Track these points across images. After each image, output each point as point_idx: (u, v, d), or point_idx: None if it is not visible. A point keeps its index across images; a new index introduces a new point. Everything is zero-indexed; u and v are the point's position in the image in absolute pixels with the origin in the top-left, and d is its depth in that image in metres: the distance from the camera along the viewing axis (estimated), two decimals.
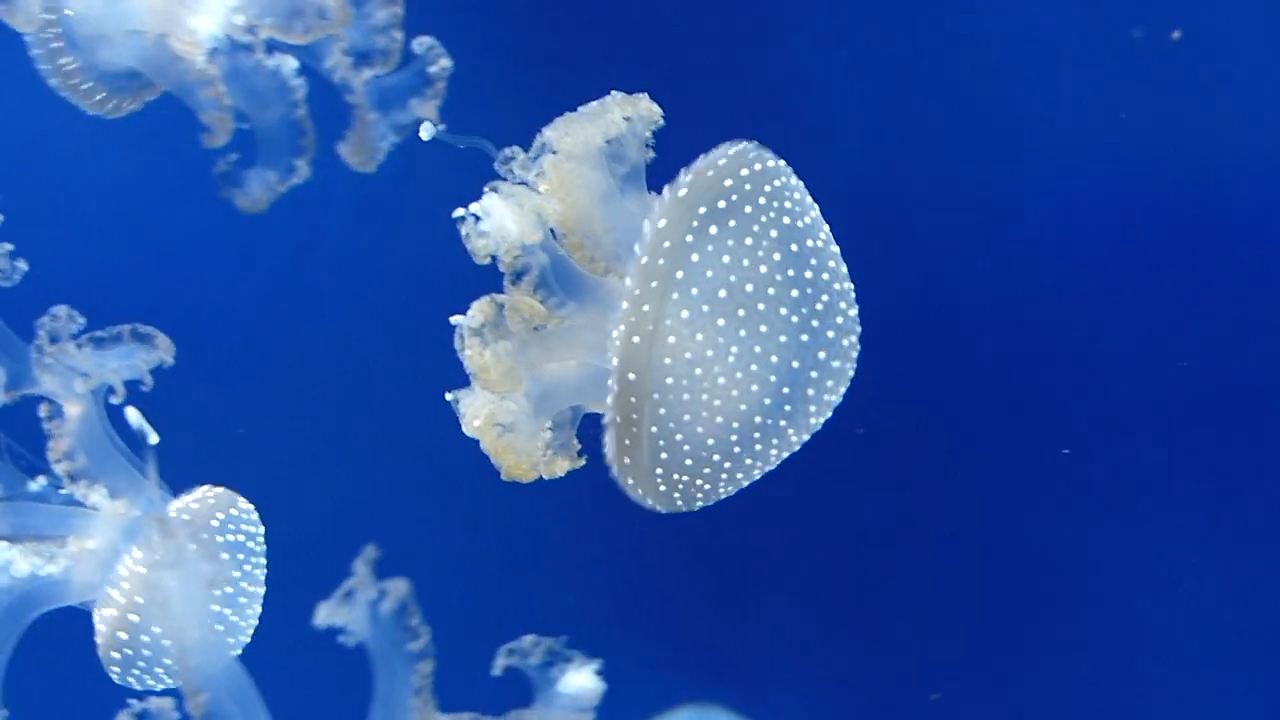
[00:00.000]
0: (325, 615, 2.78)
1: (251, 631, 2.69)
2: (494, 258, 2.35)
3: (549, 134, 2.34)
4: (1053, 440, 3.67)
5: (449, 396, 2.39)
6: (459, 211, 2.34)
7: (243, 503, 2.65)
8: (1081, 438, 3.65)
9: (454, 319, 2.36)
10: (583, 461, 2.41)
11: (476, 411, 2.38)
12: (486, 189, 2.33)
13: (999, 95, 3.51)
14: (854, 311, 2.28)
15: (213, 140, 2.85)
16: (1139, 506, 3.65)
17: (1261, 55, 3.40)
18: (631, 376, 2.21)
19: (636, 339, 2.19)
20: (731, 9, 3.57)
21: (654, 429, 2.23)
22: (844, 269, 2.27)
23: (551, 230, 2.35)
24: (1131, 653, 3.76)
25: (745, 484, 2.36)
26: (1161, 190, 3.48)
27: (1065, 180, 3.53)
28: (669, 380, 2.20)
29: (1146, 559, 3.68)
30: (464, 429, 2.38)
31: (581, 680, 2.79)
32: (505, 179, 2.36)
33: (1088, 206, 3.52)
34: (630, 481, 2.31)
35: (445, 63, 2.88)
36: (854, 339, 2.29)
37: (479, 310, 2.37)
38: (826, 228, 2.26)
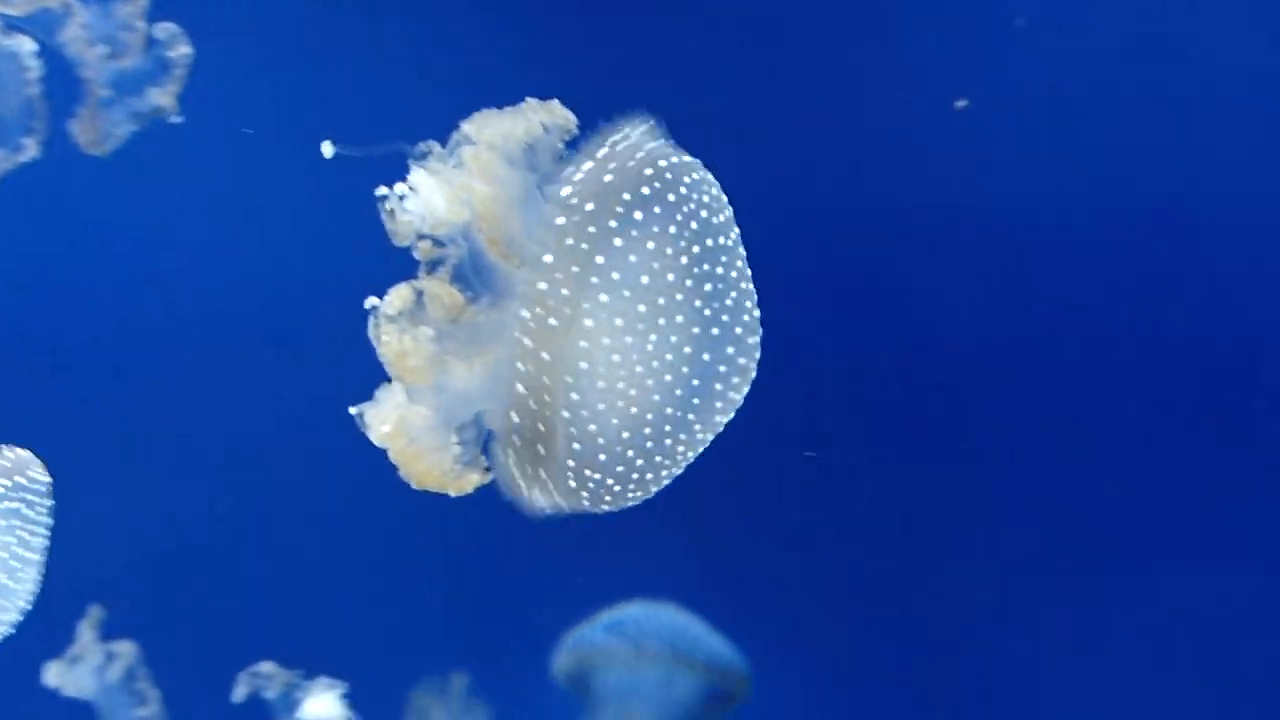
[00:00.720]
0: (54, 677, 2.64)
1: (29, 599, 2.53)
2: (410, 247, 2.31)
3: (467, 127, 2.34)
4: (949, 443, 3.85)
5: (353, 410, 2.29)
6: (381, 190, 2.29)
7: (34, 471, 2.52)
8: (972, 440, 3.85)
9: (369, 303, 2.28)
10: (490, 476, 2.36)
11: (385, 417, 2.29)
12: (413, 167, 2.28)
13: (912, 95, 3.67)
14: (757, 313, 2.37)
15: None
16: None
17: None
18: (545, 356, 2.21)
19: (554, 321, 2.20)
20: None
21: (566, 415, 2.24)
22: (749, 272, 2.36)
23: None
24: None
25: (653, 487, 2.40)
26: (1086, 192, 3.74)
27: (967, 184, 3.72)
28: (584, 365, 2.22)
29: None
30: (372, 438, 2.29)
31: (321, 707, 2.69)
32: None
33: (990, 207, 3.73)
34: (541, 475, 2.29)
35: (185, 49, 2.80)
36: (756, 339, 2.37)
37: (397, 296, 2.30)
38: (737, 230, 2.35)
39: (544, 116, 2.39)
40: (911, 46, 3.72)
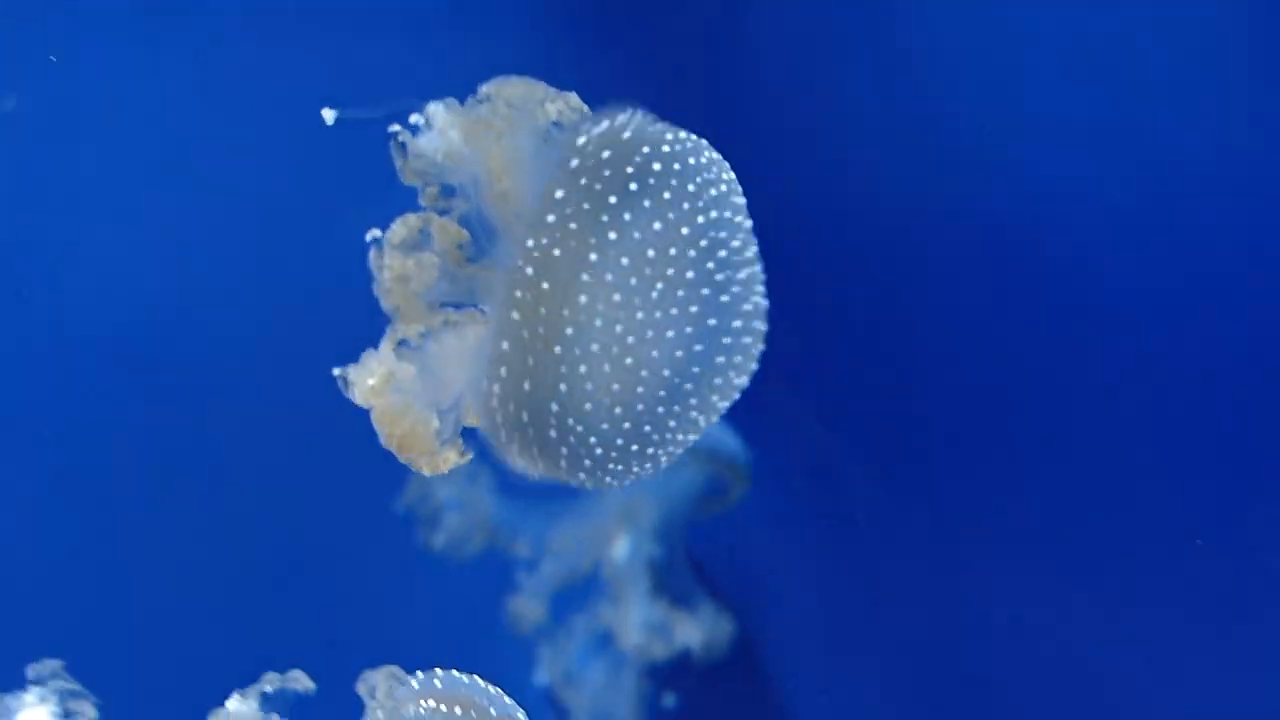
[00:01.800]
0: None
1: None
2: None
3: (486, 88, 2.29)
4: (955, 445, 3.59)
5: (336, 372, 2.17)
6: (394, 127, 2.20)
7: None
8: (974, 429, 3.60)
9: (371, 235, 2.17)
10: (469, 457, 2.22)
11: (371, 371, 2.16)
12: (430, 105, 2.21)
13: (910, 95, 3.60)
14: (765, 303, 2.26)
15: None
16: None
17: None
18: (545, 285, 2.09)
19: (557, 252, 2.09)
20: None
21: (558, 350, 2.11)
22: (759, 265, 2.27)
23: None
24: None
25: (635, 466, 2.23)
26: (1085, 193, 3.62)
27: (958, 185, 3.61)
28: (582, 299, 2.10)
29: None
30: (355, 397, 2.16)
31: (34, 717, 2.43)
32: None
33: (994, 209, 3.61)
34: (524, 418, 2.12)
35: None
36: (762, 324, 2.26)
37: (402, 224, 2.20)
38: (751, 221, 2.27)
39: (558, 102, 2.34)
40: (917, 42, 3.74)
